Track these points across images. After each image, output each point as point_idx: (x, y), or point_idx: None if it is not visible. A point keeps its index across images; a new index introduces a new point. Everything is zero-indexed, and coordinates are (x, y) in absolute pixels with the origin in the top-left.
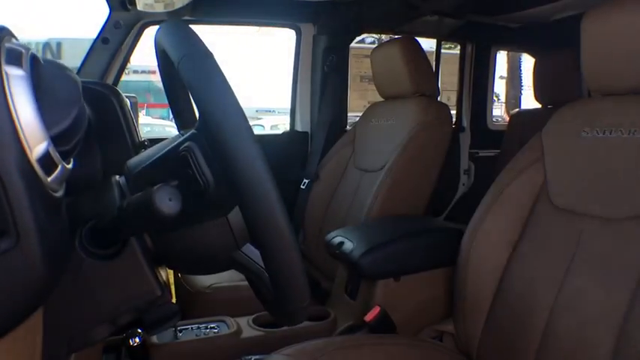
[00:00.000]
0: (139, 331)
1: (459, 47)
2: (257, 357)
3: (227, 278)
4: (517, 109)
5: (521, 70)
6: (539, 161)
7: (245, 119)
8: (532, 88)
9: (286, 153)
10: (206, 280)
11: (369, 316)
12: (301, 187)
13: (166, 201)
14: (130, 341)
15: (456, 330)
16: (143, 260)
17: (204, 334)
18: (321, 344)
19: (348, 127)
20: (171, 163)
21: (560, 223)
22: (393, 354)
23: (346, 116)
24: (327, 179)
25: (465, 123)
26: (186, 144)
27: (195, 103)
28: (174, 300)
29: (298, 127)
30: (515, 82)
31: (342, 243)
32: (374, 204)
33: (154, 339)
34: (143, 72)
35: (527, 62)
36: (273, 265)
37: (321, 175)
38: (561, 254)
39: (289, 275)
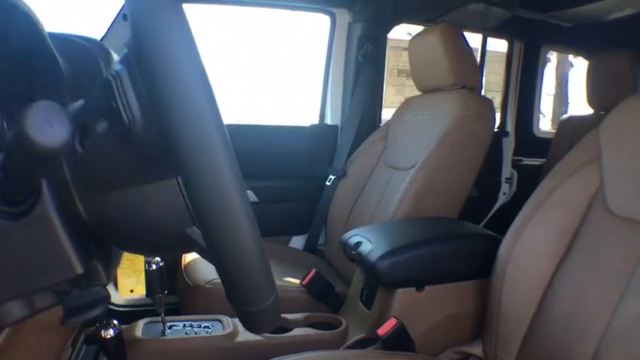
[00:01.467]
0: (115, 322)
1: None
2: None
3: None
4: (567, 115)
5: (567, 87)
6: (595, 161)
7: (194, 45)
8: (585, 93)
9: (313, 147)
10: (209, 274)
11: (383, 329)
12: (326, 183)
13: (43, 126)
14: (103, 332)
15: (485, 354)
16: (59, 224)
17: (195, 332)
18: (326, 357)
19: (381, 123)
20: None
21: (617, 234)
22: None
23: (380, 111)
24: (354, 176)
25: (509, 127)
26: (115, 68)
27: (128, 10)
28: (142, 290)
29: (327, 120)
30: (562, 98)
31: (359, 243)
32: (401, 205)
33: (138, 333)
34: None
35: (575, 77)
36: (216, 247)
37: (349, 171)
38: (618, 271)
39: (239, 263)
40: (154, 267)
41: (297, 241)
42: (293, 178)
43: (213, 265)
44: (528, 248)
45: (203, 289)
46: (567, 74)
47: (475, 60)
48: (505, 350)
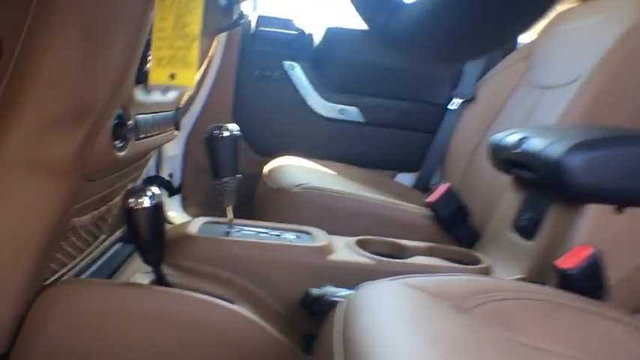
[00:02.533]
0: (155, 190)
1: None
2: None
3: (328, 180)
4: None
5: None
6: None
7: None
8: None
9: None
10: (299, 177)
11: (567, 261)
12: (449, 107)
13: None
14: (131, 201)
15: None
16: None
17: (271, 239)
18: (485, 284)
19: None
20: None
21: None
22: (615, 337)
23: None
24: (486, 101)
25: None
26: None
27: None
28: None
29: None
30: None
31: (525, 139)
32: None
33: (191, 229)
34: None
35: None
36: None
37: (479, 95)
38: None
39: None
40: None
41: (404, 179)
42: (408, 100)
43: None
44: None
45: (289, 194)
46: None
47: None
48: None
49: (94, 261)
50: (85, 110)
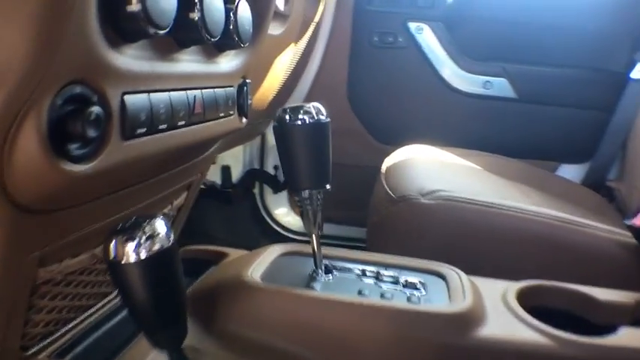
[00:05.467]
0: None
1: None
2: None
3: (470, 182)
4: None
5: None
6: None
7: None
8: None
9: (609, 23)
10: (425, 178)
11: None
12: (629, 77)
13: None
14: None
15: None
16: None
17: (383, 294)
18: None
19: None
20: None
21: None
22: None
23: None
24: None
25: None
26: None
27: None
28: None
29: None
30: None
31: None
32: None
33: (253, 272)
34: None
35: None
36: None
37: None
38: None
39: None
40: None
41: (569, 172)
42: (575, 67)
43: None
44: None
45: (415, 206)
46: None
47: None
48: None
49: (96, 325)
50: None
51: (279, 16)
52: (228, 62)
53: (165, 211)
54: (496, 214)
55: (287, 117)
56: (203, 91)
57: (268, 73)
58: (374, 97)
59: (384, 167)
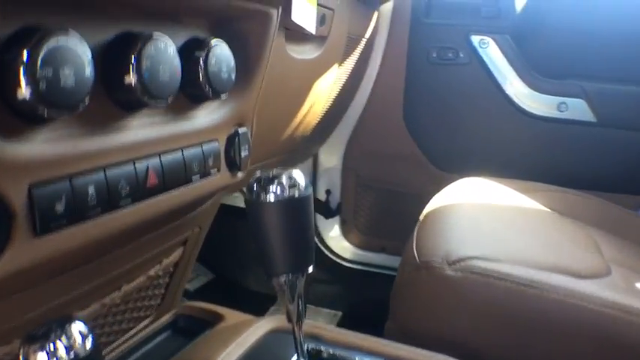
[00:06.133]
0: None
1: None
2: None
3: (510, 253)
4: None
5: None
6: None
7: None
8: None
9: None
10: (463, 235)
11: None
12: None
13: None
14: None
15: None
16: None
17: None
18: None
19: None
20: None
21: None
22: None
23: None
24: None
25: None
26: None
27: None
28: None
29: None
30: None
31: None
32: None
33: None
34: None
35: None
36: None
37: None
38: None
39: None
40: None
41: None
42: None
43: None
44: None
45: (439, 275)
46: None
47: None
48: None
49: None
50: None
51: (313, 38)
52: (209, 114)
53: (152, 273)
54: (536, 296)
55: (255, 188)
56: (163, 156)
57: (305, 100)
58: (432, 118)
59: (423, 214)
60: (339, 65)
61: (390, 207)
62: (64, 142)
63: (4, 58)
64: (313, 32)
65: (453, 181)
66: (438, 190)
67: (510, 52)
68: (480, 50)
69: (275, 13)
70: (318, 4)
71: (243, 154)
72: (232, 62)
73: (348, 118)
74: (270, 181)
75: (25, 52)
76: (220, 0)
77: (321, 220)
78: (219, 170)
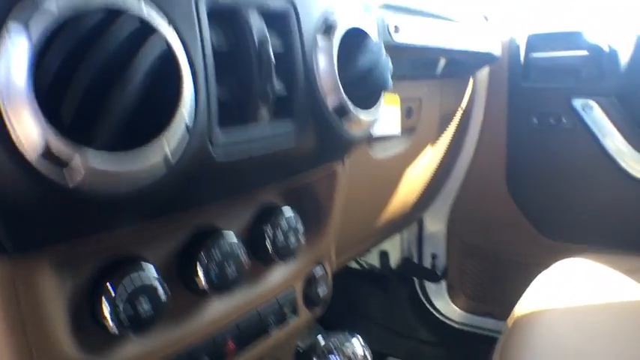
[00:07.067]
0: None
1: None
2: None
3: None
4: None
5: None
6: None
7: None
8: None
9: None
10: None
11: None
12: None
13: None
14: None
15: None
16: None
17: None
18: None
19: None
20: None
21: None
22: None
23: None
24: None
25: None
26: None
27: None
28: None
29: None
30: None
31: None
32: None
33: None
34: None
35: None
36: None
37: None
38: None
39: None
40: None
41: None
42: None
43: None
44: None
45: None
46: None
47: None
48: None
49: None
50: None
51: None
52: (282, 271)
53: None
54: None
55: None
56: (240, 322)
57: (397, 190)
58: (536, 184)
59: (510, 320)
60: (433, 144)
61: (495, 274)
62: (151, 337)
63: (94, 289)
64: (399, 134)
65: (558, 249)
66: (541, 256)
67: (617, 115)
68: (583, 115)
69: (341, 166)
70: (401, 100)
71: (322, 293)
72: (300, 228)
73: (451, 184)
74: (329, 351)
75: (109, 286)
76: (295, 181)
77: (429, 283)
78: (296, 314)
